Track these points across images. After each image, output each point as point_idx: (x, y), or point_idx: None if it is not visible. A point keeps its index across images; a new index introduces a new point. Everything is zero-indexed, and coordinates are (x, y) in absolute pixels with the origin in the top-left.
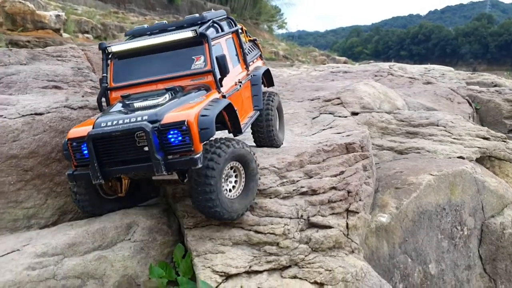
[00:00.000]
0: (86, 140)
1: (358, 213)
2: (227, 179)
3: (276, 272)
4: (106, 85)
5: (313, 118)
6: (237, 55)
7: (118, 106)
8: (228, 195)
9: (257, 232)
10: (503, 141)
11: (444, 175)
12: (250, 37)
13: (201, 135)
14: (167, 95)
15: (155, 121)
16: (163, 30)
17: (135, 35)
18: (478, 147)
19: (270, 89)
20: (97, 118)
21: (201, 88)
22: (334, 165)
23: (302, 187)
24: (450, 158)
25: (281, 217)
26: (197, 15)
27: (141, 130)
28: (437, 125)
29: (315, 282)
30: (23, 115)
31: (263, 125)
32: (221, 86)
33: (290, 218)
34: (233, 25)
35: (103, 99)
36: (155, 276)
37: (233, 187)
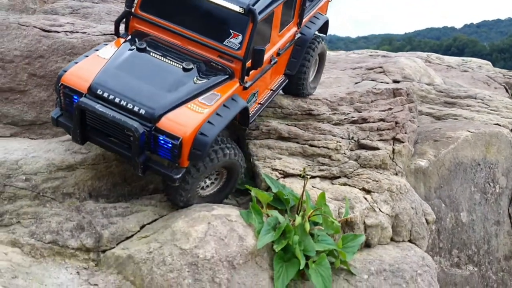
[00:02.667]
0: (75, 107)
1: (403, 142)
2: (206, 178)
3: (327, 180)
4: (130, 9)
5: (356, 83)
6: (293, 13)
7: (131, 62)
8: (199, 193)
9: (311, 145)
10: None
11: (481, 133)
12: None
13: (191, 154)
14: (185, 79)
15: (152, 119)
16: None
17: None
18: None
19: None
20: (101, 74)
21: (225, 73)
22: (382, 104)
23: (352, 117)
24: (486, 124)
25: (334, 135)
26: None
27: (128, 129)
28: (475, 98)
29: (363, 189)
30: (104, 34)
31: (293, 76)
32: (247, 75)
33: (342, 138)
34: None
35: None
36: None
37: (208, 186)
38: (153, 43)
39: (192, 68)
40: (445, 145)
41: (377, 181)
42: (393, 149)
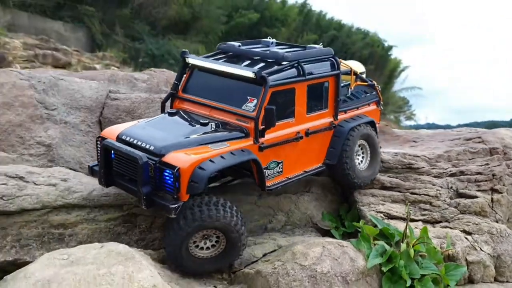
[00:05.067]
0: (100, 147)
1: (502, 193)
2: (203, 239)
3: (429, 224)
4: (174, 92)
5: None
6: (326, 101)
7: (159, 121)
8: (195, 253)
9: (412, 193)
10: None
11: None
12: (367, 81)
13: (189, 186)
14: (199, 130)
15: (159, 155)
16: (246, 56)
17: (222, 51)
18: None
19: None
20: (129, 127)
21: (242, 131)
22: (479, 161)
23: (451, 171)
24: None
25: (433, 184)
26: (318, 46)
27: (136, 160)
28: None
29: (464, 231)
30: None
31: (337, 166)
32: (262, 136)
33: (441, 187)
34: (336, 68)
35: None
36: (327, 219)
37: (207, 248)
38: (184, 111)
39: (208, 123)
40: None
41: (477, 224)
42: (492, 198)
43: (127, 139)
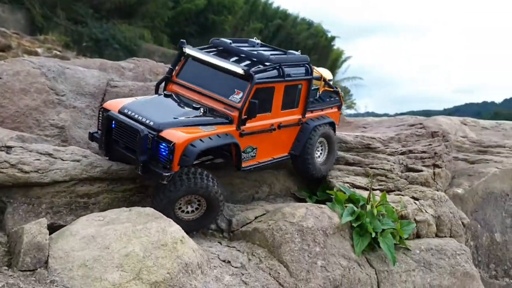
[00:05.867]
0: (103, 118)
1: (441, 167)
2: (187, 204)
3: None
4: (168, 76)
5: None
6: (297, 101)
7: (156, 101)
8: (180, 215)
9: (371, 167)
10: None
11: (508, 170)
12: (333, 88)
13: (181, 159)
14: (191, 113)
15: (157, 130)
16: (234, 52)
17: (214, 45)
18: None
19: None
20: (130, 102)
21: (227, 118)
22: (423, 142)
23: (401, 150)
24: None
25: (388, 161)
26: (297, 52)
27: (137, 132)
28: (504, 147)
29: (413, 197)
30: None
31: (299, 157)
32: (244, 124)
33: (394, 163)
34: (309, 73)
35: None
36: (302, 191)
37: (190, 212)
38: (177, 95)
39: (199, 108)
40: (477, 178)
41: (422, 192)
42: (434, 172)
43: (129, 112)
